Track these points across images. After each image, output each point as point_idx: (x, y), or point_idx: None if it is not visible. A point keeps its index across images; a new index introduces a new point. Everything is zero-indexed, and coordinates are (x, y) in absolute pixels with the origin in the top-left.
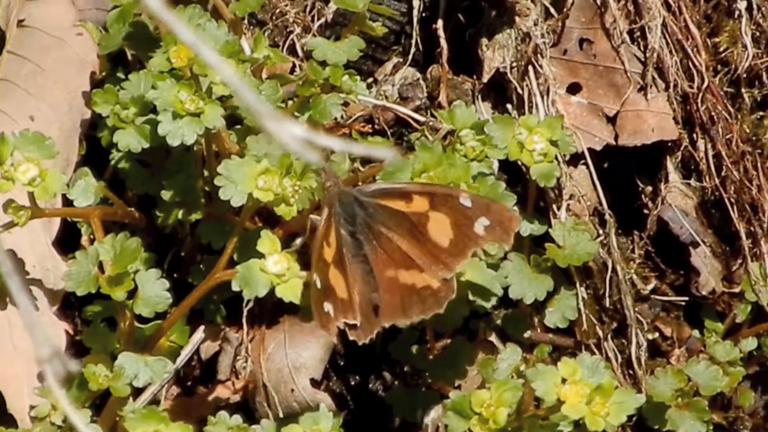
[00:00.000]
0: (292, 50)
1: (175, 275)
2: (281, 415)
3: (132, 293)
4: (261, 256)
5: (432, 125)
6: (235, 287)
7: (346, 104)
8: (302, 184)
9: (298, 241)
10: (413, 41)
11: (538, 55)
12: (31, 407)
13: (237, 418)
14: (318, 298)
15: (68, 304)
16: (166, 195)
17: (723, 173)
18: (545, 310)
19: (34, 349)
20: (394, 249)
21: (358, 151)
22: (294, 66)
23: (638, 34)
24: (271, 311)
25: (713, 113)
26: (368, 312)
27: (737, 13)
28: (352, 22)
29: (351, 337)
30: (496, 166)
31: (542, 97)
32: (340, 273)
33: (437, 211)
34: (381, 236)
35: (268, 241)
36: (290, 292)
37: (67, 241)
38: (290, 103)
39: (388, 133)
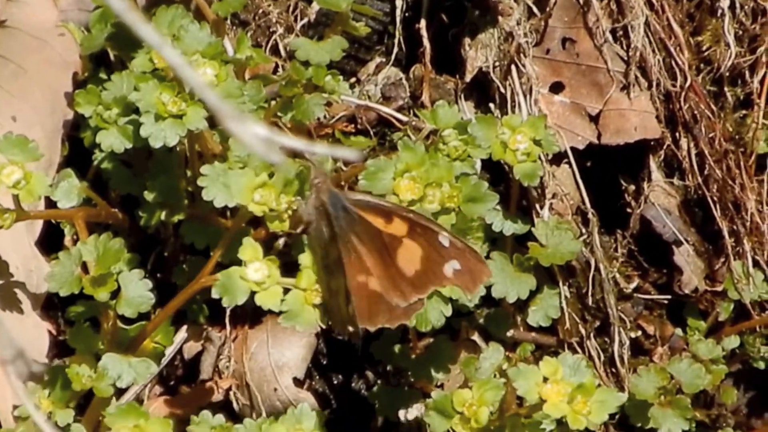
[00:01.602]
0: (275, 50)
1: (158, 275)
2: (264, 414)
3: (115, 294)
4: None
5: (415, 125)
6: (215, 294)
7: (329, 104)
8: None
9: (281, 241)
10: (396, 41)
11: (521, 55)
12: (14, 407)
13: (220, 418)
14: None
15: (52, 305)
16: (149, 196)
17: (706, 172)
18: (528, 309)
19: None
20: (361, 260)
21: (321, 151)
22: (277, 66)
23: (621, 33)
24: (253, 311)
25: (696, 112)
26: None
27: (720, 11)
28: (335, 22)
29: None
30: (478, 165)
31: (525, 96)
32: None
33: (413, 239)
34: (353, 244)
35: (249, 248)
36: (270, 299)
37: (50, 242)
38: (273, 103)
39: (371, 132)
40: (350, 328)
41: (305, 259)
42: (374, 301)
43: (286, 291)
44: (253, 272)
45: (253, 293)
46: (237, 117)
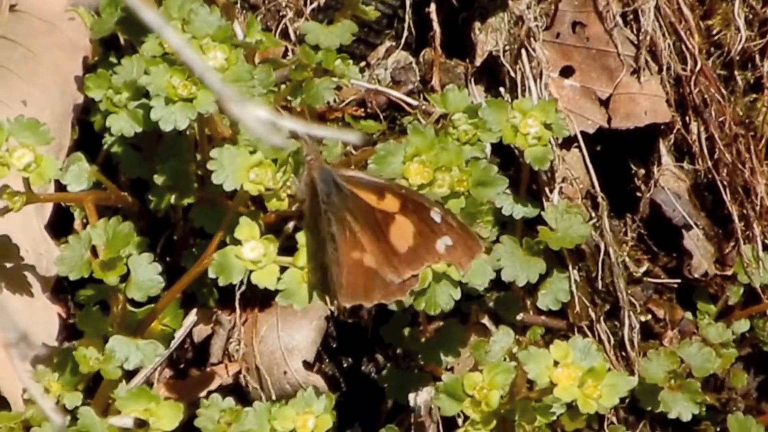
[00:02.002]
0: (284, 34)
1: (167, 259)
2: (274, 398)
3: (125, 277)
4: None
5: (425, 109)
6: (211, 274)
7: (338, 88)
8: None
9: (291, 225)
10: (406, 25)
11: (531, 39)
12: (24, 390)
13: (229, 401)
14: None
15: (61, 288)
16: (158, 179)
17: (716, 156)
18: (538, 293)
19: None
20: (355, 237)
21: (321, 134)
22: (286, 50)
23: (631, 17)
24: (263, 294)
25: (706, 96)
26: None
27: None
28: (345, 6)
29: None
30: (488, 149)
31: (535, 80)
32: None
33: (405, 216)
34: (347, 221)
35: (246, 227)
36: (266, 278)
37: (60, 226)
38: (283, 87)
39: (381, 116)
40: (335, 303)
41: (302, 237)
42: (370, 276)
43: (283, 270)
44: (249, 251)
45: (249, 272)
46: (238, 100)
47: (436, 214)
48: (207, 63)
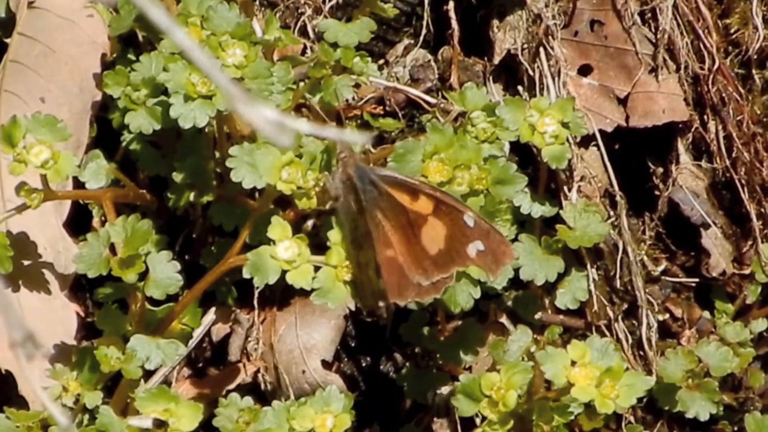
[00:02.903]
0: (303, 32)
1: (186, 257)
2: (292, 397)
3: (143, 275)
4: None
5: (443, 107)
6: (246, 274)
7: (357, 86)
8: (322, 177)
9: (309, 223)
10: (424, 22)
11: (549, 37)
12: (42, 389)
13: (248, 400)
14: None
15: (80, 286)
16: (177, 177)
17: (734, 154)
18: (556, 292)
19: (8, 332)
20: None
21: (328, 135)
22: (305, 47)
23: (649, 15)
24: (281, 293)
25: (724, 94)
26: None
27: None
28: (364, 4)
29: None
30: (507, 147)
31: (553, 78)
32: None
33: (438, 218)
34: (379, 219)
35: (278, 227)
36: (301, 278)
37: (78, 223)
38: (302, 84)
39: (400, 114)
40: (380, 303)
41: (334, 235)
42: (403, 275)
43: (317, 269)
44: (284, 251)
45: (284, 272)
46: (247, 99)
47: (469, 218)
48: (216, 62)
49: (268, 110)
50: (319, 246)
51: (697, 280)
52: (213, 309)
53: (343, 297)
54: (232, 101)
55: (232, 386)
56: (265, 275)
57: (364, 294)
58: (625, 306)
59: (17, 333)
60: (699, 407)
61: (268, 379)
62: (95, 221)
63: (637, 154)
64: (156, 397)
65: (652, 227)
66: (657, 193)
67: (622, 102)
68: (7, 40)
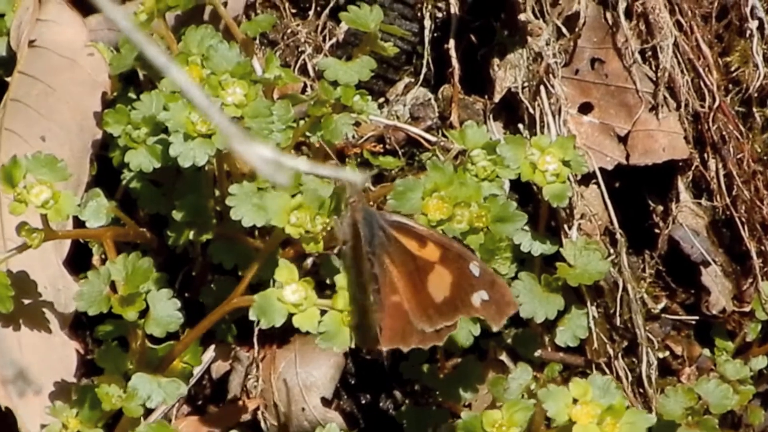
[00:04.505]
0: (303, 70)
1: (186, 295)
2: None
3: (143, 313)
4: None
5: (443, 145)
6: (252, 317)
7: (357, 124)
8: (330, 221)
9: (309, 261)
10: (424, 61)
11: (550, 75)
12: (42, 426)
13: None
14: (373, 317)
15: (80, 324)
16: (177, 215)
17: (734, 192)
18: (556, 329)
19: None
20: (393, 282)
21: (325, 173)
22: (305, 86)
23: (650, 53)
24: (281, 331)
25: (724, 132)
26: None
27: (749, 32)
28: (364, 42)
29: None
30: (507, 185)
31: (554, 116)
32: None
33: (444, 266)
34: (386, 265)
35: (286, 269)
36: (308, 321)
37: (78, 261)
38: (302, 123)
39: (400, 152)
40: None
41: (341, 280)
42: (408, 321)
43: (322, 312)
44: (291, 294)
45: (290, 315)
46: (244, 138)
47: (475, 267)
48: (213, 100)
49: (264, 149)
50: (319, 285)
51: (697, 317)
52: (213, 346)
53: (348, 341)
54: (229, 140)
55: (232, 424)
56: (272, 318)
57: (367, 337)
58: (625, 343)
59: (8, 370)
60: None
61: (268, 416)
62: (95, 259)
63: (638, 192)
64: None
65: (652, 265)
66: (657, 231)
67: (623, 140)
68: (8, 79)
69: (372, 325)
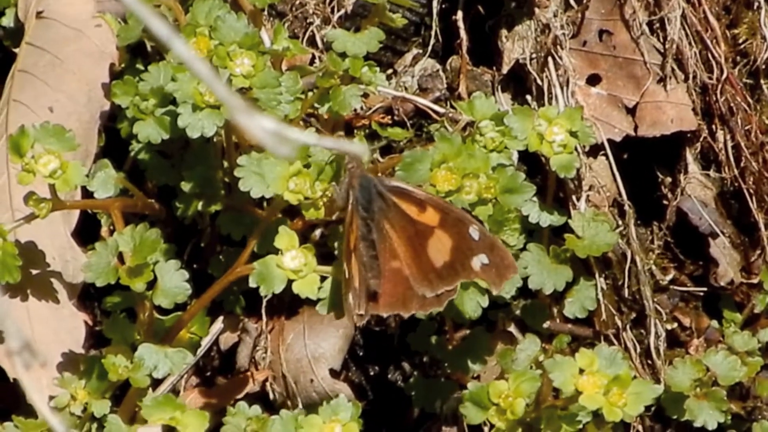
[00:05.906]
0: (311, 42)
1: (194, 266)
2: (300, 406)
3: (151, 284)
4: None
5: (451, 116)
6: (252, 283)
7: (365, 96)
8: (329, 188)
9: (317, 232)
10: (433, 32)
11: (558, 47)
12: (50, 398)
13: (256, 409)
14: (345, 289)
15: (88, 295)
16: (185, 186)
17: (742, 164)
18: (564, 301)
19: (5, 340)
20: (393, 247)
21: (329, 145)
22: (313, 57)
23: (657, 25)
24: (290, 302)
25: (732, 104)
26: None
27: (756, 4)
28: (372, 14)
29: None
30: (515, 157)
31: (562, 88)
32: (356, 261)
33: (444, 230)
34: (386, 230)
35: (285, 236)
36: (307, 287)
37: (86, 232)
38: (310, 94)
39: (408, 124)
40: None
41: (341, 246)
42: (408, 286)
43: (323, 279)
44: (290, 260)
45: (290, 282)
46: (247, 110)
47: (474, 231)
48: (216, 72)
49: (267, 121)
50: (326, 255)
51: (705, 289)
52: (221, 318)
53: (349, 308)
54: (233, 111)
55: (240, 395)
56: (271, 284)
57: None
58: (633, 315)
59: (15, 341)
60: (707, 416)
61: (277, 388)
62: (104, 230)
63: (646, 163)
64: (162, 405)
65: (660, 236)
66: (665, 202)
67: (631, 111)
68: (16, 50)
69: (344, 296)
